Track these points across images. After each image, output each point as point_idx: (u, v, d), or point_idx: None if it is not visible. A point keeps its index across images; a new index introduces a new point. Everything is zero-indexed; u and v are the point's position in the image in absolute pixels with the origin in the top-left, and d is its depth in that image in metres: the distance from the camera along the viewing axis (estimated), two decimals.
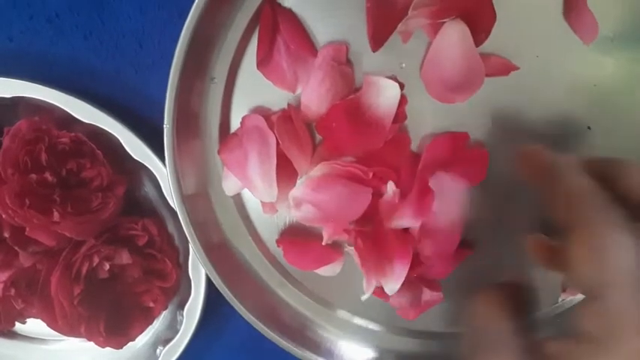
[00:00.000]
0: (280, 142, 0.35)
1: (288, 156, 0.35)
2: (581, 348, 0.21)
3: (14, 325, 0.41)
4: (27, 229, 0.34)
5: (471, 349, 0.26)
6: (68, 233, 0.35)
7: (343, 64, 0.35)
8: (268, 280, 0.41)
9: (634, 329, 0.20)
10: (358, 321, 0.42)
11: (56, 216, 0.34)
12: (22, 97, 0.36)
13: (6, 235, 0.36)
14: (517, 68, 0.35)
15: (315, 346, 0.41)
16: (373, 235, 0.38)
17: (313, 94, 0.35)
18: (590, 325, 0.21)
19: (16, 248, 0.36)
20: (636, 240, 0.22)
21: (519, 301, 0.27)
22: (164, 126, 0.35)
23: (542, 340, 0.24)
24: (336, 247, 0.40)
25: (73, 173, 0.36)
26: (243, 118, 0.37)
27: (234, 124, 0.38)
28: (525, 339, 0.25)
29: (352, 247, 0.39)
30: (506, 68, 0.35)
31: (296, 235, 0.41)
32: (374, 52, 0.35)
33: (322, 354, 0.41)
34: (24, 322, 0.42)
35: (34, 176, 0.34)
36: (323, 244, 0.39)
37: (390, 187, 0.36)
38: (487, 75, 0.35)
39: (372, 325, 0.42)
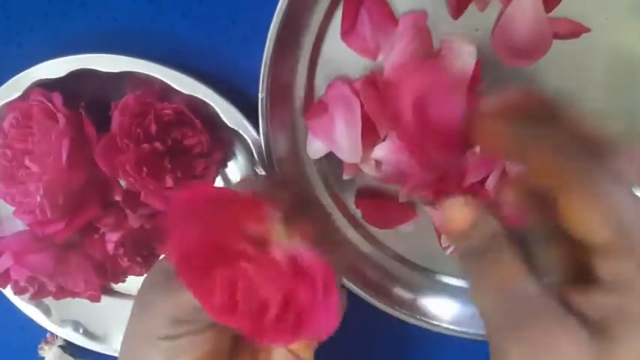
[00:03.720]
0: (365, 105, 0.38)
1: (372, 119, 0.38)
2: (630, 301, 0.20)
3: (123, 281, 0.45)
4: (142, 194, 0.38)
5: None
6: None
7: (423, 30, 0.38)
8: (350, 238, 0.44)
9: None
10: (440, 277, 0.45)
11: (169, 182, 0.38)
12: (128, 71, 0.39)
13: (117, 198, 0.40)
14: (588, 30, 0.37)
15: (398, 300, 0.44)
16: (450, 193, 0.40)
17: (396, 60, 0.38)
18: (630, 274, 0.20)
19: (128, 211, 0.40)
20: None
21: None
22: (259, 95, 0.38)
23: (564, 290, 0.22)
24: (411, 206, 0.43)
25: (177, 142, 0.39)
26: (329, 86, 0.39)
27: (318, 91, 0.41)
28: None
29: (429, 207, 0.42)
30: (577, 30, 0.37)
31: (371, 197, 0.44)
32: (455, 19, 0.37)
33: (405, 307, 0.44)
34: (124, 281, 0.47)
35: (146, 146, 0.37)
36: (400, 201, 0.42)
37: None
38: (558, 37, 0.37)
39: (453, 281, 0.45)
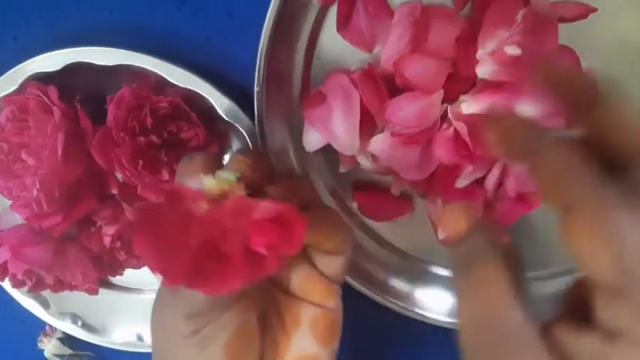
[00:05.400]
0: (364, 97, 0.38)
1: (370, 110, 0.38)
2: (618, 349, 0.19)
3: (120, 274, 0.45)
4: (139, 188, 0.38)
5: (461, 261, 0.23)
6: None
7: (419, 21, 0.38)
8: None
9: None
10: (434, 269, 0.45)
11: (165, 175, 0.38)
12: (123, 64, 0.39)
13: (114, 191, 0.40)
14: (595, 10, 0.36)
15: (394, 293, 0.44)
16: (447, 187, 0.40)
17: (393, 50, 0.38)
18: (624, 321, 0.19)
19: (124, 204, 0.40)
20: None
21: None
22: (255, 88, 0.38)
23: (553, 326, 0.21)
24: (407, 199, 0.43)
25: (173, 135, 0.39)
26: (328, 76, 0.39)
27: (314, 84, 0.41)
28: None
29: (425, 199, 0.42)
30: (584, 12, 0.36)
31: (368, 189, 0.44)
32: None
33: (401, 300, 0.44)
34: (122, 274, 0.47)
35: (142, 139, 0.37)
36: (393, 194, 0.42)
37: None
38: (566, 21, 0.36)
39: (447, 272, 0.45)
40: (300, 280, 0.30)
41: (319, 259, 0.30)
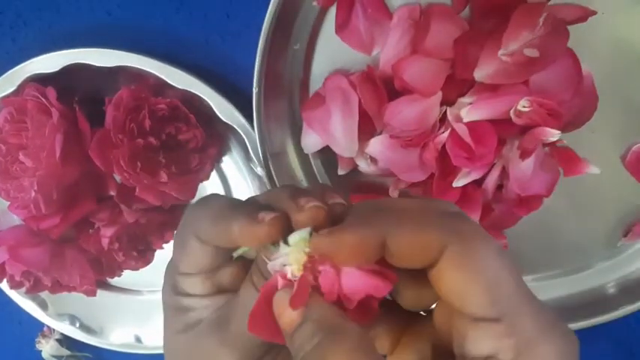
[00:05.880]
0: (362, 100, 0.38)
1: (369, 113, 0.38)
2: None
3: (118, 275, 0.45)
4: (137, 189, 0.38)
5: None
6: (174, 193, 0.38)
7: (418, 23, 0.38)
8: None
9: (544, 344, 0.19)
10: None
11: (163, 177, 0.38)
12: (122, 66, 0.39)
13: (112, 193, 0.40)
14: (595, 13, 0.36)
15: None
16: (444, 189, 0.40)
17: (392, 53, 0.38)
18: (498, 348, 0.19)
19: (123, 206, 0.40)
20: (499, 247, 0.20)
21: None
22: (253, 90, 0.38)
23: None
24: None
25: (172, 137, 0.39)
26: (327, 79, 0.39)
27: (313, 86, 0.41)
28: None
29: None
30: (584, 14, 0.36)
31: (366, 192, 0.44)
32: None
33: None
34: (120, 275, 0.47)
35: (141, 141, 0.37)
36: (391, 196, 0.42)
37: None
38: (567, 23, 0.36)
39: None
40: None
41: None
